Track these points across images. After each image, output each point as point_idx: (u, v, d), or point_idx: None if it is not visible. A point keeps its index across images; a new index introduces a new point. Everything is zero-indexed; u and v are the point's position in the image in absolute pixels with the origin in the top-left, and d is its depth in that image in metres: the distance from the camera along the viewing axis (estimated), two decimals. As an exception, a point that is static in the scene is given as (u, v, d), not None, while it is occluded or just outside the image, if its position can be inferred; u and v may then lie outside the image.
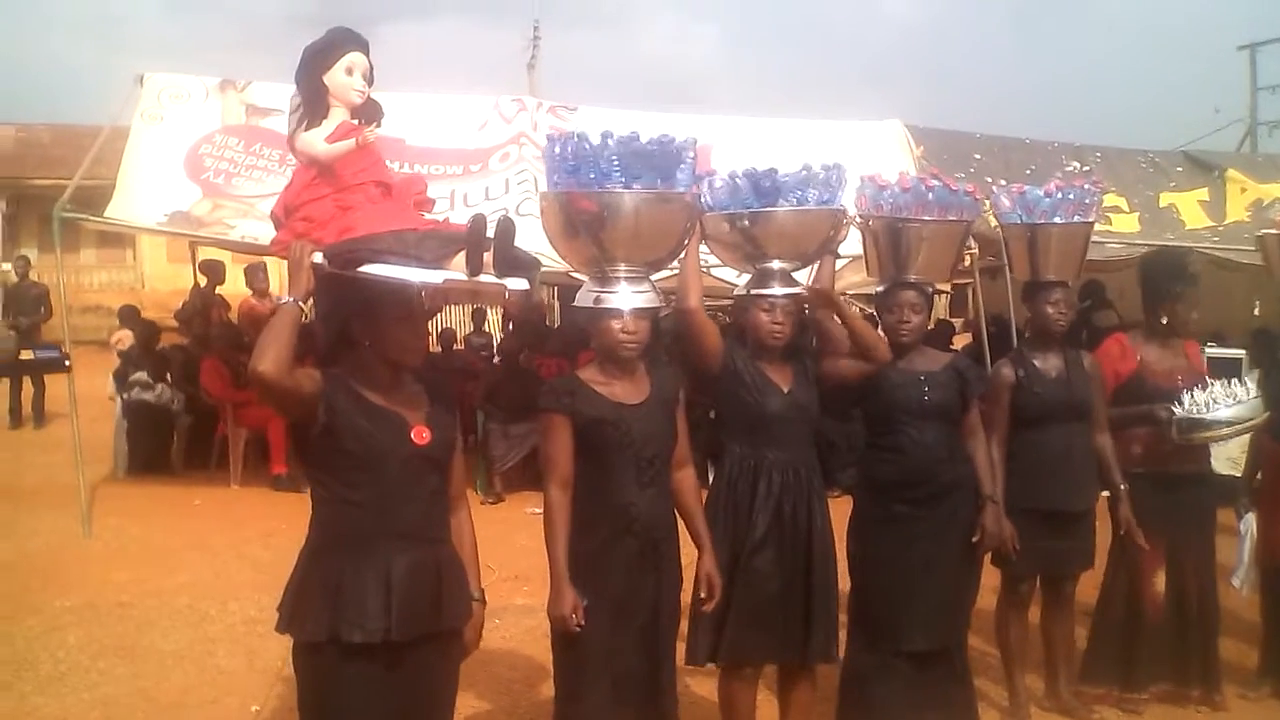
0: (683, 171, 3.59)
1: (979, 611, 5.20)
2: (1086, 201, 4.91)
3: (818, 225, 4.15)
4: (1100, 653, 5.20)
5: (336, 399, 2.91)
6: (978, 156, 11.15)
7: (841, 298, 4.49)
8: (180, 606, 6.66)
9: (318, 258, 2.93)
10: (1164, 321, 5.05)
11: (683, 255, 4.02)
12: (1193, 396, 4.82)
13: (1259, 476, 5.42)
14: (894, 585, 4.45)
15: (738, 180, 4.04)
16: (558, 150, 3.59)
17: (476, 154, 10.17)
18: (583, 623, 3.46)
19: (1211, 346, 9.69)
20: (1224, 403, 4.82)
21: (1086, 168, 11.38)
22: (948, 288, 15.99)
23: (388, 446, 2.95)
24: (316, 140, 3.14)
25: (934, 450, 4.49)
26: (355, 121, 3.17)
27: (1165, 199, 11.53)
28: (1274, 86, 32.09)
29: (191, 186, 9.31)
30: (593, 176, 3.50)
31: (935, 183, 4.55)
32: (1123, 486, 4.95)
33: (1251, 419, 4.89)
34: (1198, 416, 4.79)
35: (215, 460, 10.97)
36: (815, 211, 4.08)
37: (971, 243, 8.68)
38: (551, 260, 4.03)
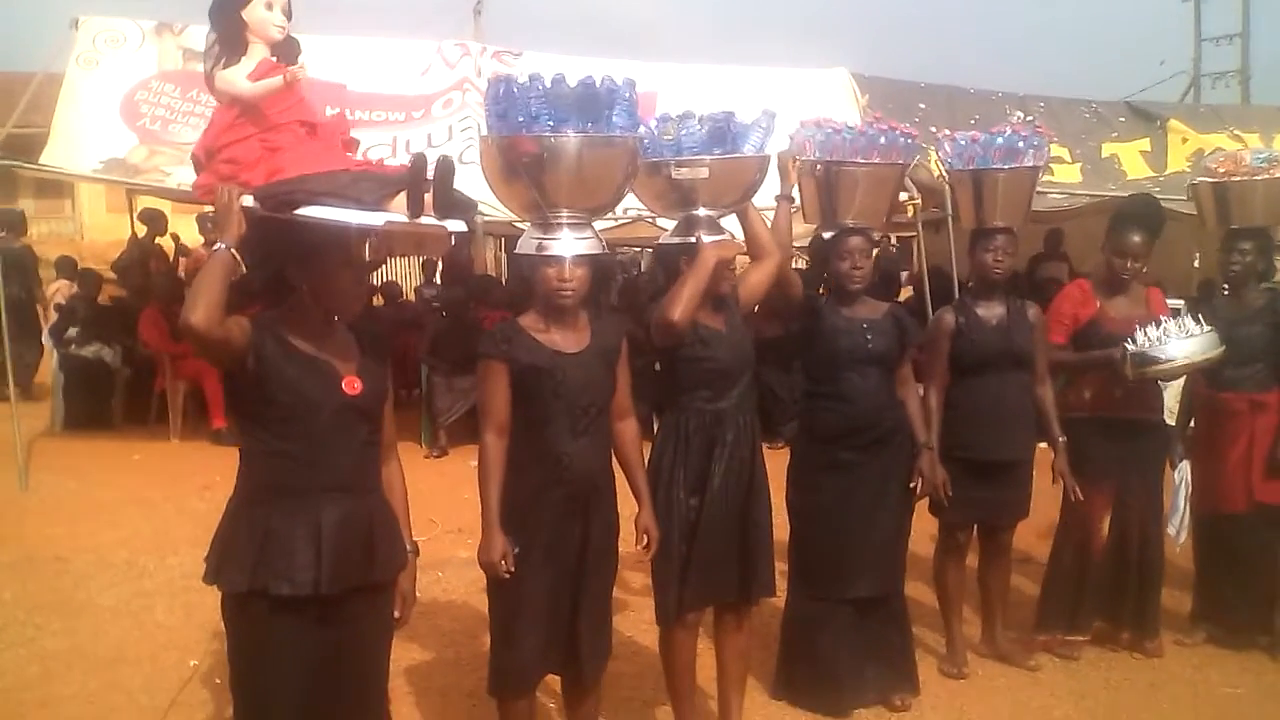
0: (619, 114, 3.51)
1: (918, 559, 5.27)
2: (1020, 147, 4.90)
3: (748, 173, 4.11)
4: (1053, 601, 5.27)
5: (265, 348, 2.85)
6: (923, 106, 11.16)
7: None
8: (118, 561, 6.59)
9: (248, 201, 2.85)
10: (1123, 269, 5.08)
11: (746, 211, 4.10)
12: (1145, 333, 4.84)
13: (1192, 424, 5.48)
14: (839, 533, 4.49)
15: (692, 124, 3.99)
16: (492, 92, 3.52)
17: (419, 100, 10.06)
18: (512, 569, 3.46)
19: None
20: (1176, 338, 4.83)
21: (1030, 117, 11.42)
22: (894, 240, 16.04)
23: (318, 397, 2.90)
24: (238, 78, 3.04)
25: (876, 397, 4.54)
26: (274, 59, 3.08)
27: (1107, 149, 11.60)
28: (1217, 38, 32.42)
29: (128, 133, 9.15)
30: (520, 120, 3.41)
31: (883, 126, 4.62)
32: (1060, 438, 4.99)
33: (1205, 354, 4.88)
34: (1150, 352, 4.81)
35: (155, 414, 10.85)
36: (749, 159, 4.04)
37: (915, 193, 8.74)
38: (494, 209, 3.97)
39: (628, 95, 3.55)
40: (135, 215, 13.11)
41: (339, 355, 2.99)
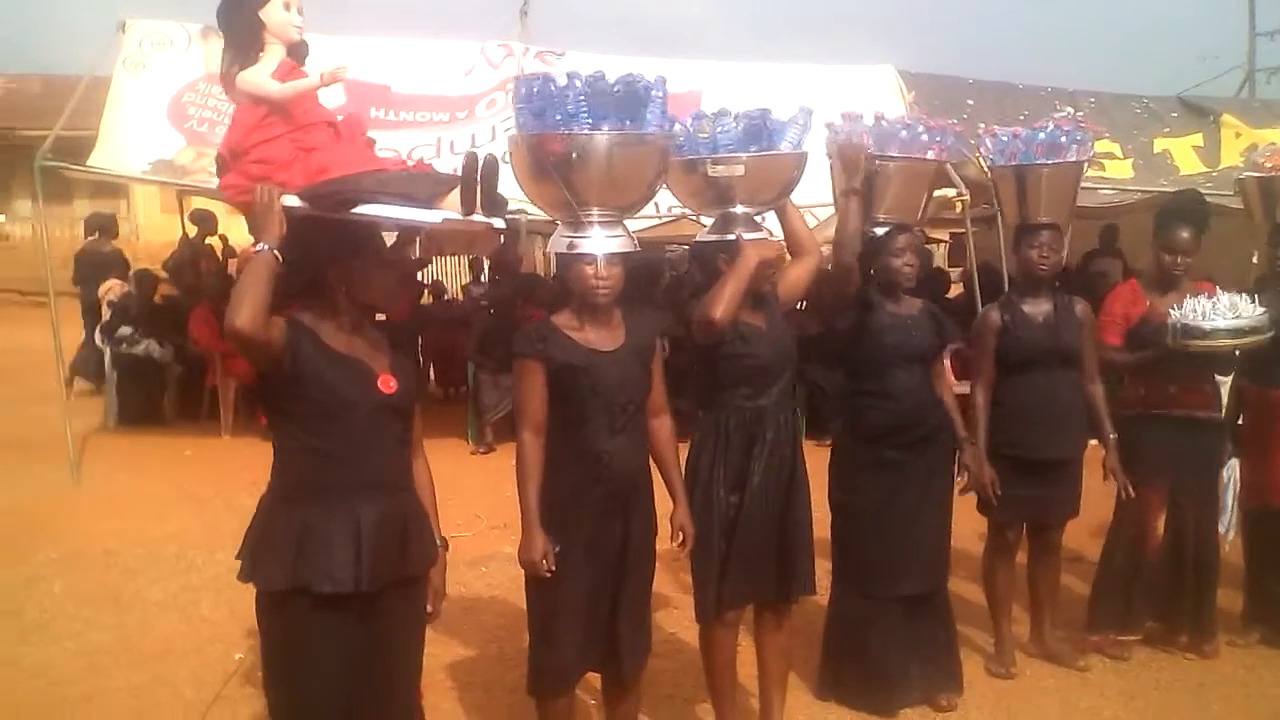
0: (652, 112, 3.50)
1: (968, 557, 5.22)
2: (1063, 141, 4.85)
3: (785, 170, 4.08)
4: (1104, 600, 5.20)
5: (302, 348, 2.87)
6: (970, 102, 11.05)
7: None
8: (167, 556, 6.67)
9: (290, 200, 2.87)
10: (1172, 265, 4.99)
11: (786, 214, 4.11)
12: (1194, 305, 4.76)
13: (1240, 421, 5.40)
14: (886, 531, 4.46)
15: (728, 122, 3.96)
16: (524, 92, 3.51)
17: (463, 101, 10.09)
18: (553, 568, 3.45)
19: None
20: (1224, 313, 4.75)
21: (1080, 113, 11.29)
22: (946, 236, 15.90)
23: (355, 396, 2.92)
24: (263, 78, 3.05)
25: (920, 394, 4.53)
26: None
27: (1160, 144, 11.43)
28: (1273, 32, 31.87)
29: (175, 135, 9.24)
30: (559, 118, 3.41)
31: (930, 123, 4.69)
32: (1112, 435, 4.93)
33: (1254, 331, 4.80)
34: (1194, 323, 4.73)
35: (206, 411, 10.98)
36: (785, 155, 4.01)
37: (964, 189, 8.65)
38: (538, 209, 3.97)
39: (659, 94, 3.53)
40: (186, 216, 13.26)
41: (372, 354, 3.01)
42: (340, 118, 3.21)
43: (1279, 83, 31.22)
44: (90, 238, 13.38)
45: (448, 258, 18.92)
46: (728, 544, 3.96)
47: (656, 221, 9.45)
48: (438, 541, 3.21)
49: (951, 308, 9.50)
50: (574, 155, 3.43)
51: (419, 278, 14.41)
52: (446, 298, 14.47)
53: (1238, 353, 4.99)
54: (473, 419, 10.28)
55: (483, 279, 14.31)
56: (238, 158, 3.08)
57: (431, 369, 13.59)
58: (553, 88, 3.43)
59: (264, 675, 3.02)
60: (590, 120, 3.41)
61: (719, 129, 3.91)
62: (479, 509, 7.15)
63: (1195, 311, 4.75)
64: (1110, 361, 5.02)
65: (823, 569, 4.38)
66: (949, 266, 15.32)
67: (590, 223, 3.53)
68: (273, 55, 3.07)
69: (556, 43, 11.49)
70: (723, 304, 3.81)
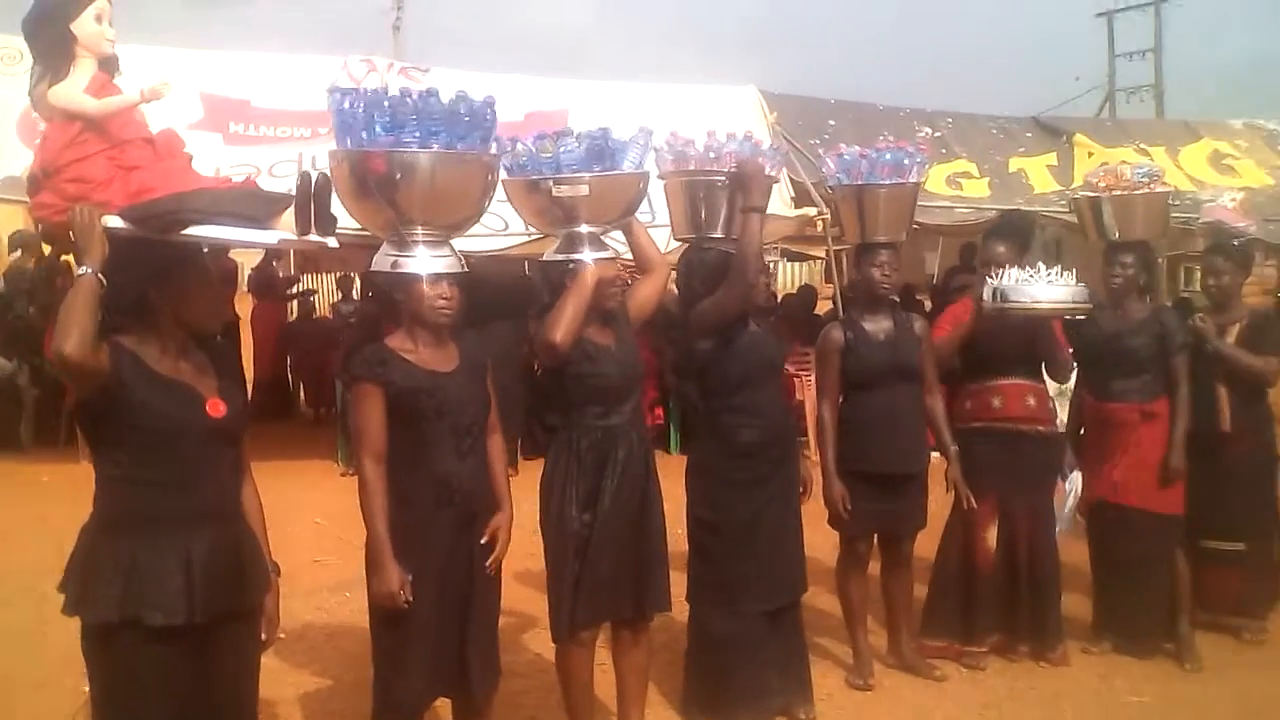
0: (480, 131, 3.47)
1: (825, 571, 5.30)
2: (905, 162, 4.96)
3: (629, 189, 4.08)
4: (938, 607, 5.32)
5: (125, 372, 2.78)
6: (831, 122, 11.27)
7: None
8: (19, 586, 6.41)
9: (113, 221, 2.78)
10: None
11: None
12: (1009, 272, 4.90)
13: (1081, 432, 5.56)
14: (757, 545, 4.48)
15: (570, 142, 3.96)
16: (346, 105, 3.41)
17: (324, 116, 9.90)
18: (410, 599, 3.39)
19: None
20: (1041, 280, 4.88)
21: (938, 133, 11.59)
22: (821, 254, 16.17)
23: (183, 422, 2.84)
24: (77, 93, 2.95)
25: (781, 408, 4.64)
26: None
27: (1015, 164, 11.79)
28: (1131, 53, 33.04)
29: (24, 151, 8.93)
30: (368, 134, 3.35)
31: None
32: (952, 447, 5.07)
33: (1070, 304, 4.94)
34: (1011, 291, 4.86)
35: (65, 435, 10.60)
36: (628, 175, 4.01)
37: (824, 208, 8.82)
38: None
39: (488, 114, 3.50)
40: (39, 233, 12.73)
41: (199, 377, 2.93)
42: (156, 133, 3.12)
43: (1139, 102, 32.42)
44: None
45: (317, 274, 18.59)
46: (581, 563, 3.94)
47: (528, 239, 9.46)
48: (270, 567, 3.14)
49: (821, 323, 9.65)
50: (397, 173, 3.36)
51: (293, 293, 14.21)
52: (315, 316, 14.24)
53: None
54: (342, 440, 10.08)
55: (354, 296, 14.16)
56: (51, 176, 2.96)
57: (301, 389, 13.40)
58: (358, 103, 3.36)
59: (93, 712, 2.93)
60: (417, 137, 3.35)
61: (562, 149, 3.90)
62: (348, 532, 6.94)
63: (1014, 278, 4.89)
64: (939, 351, 5.13)
65: (679, 585, 4.41)
66: (826, 283, 15.58)
67: (415, 242, 3.47)
68: (84, 69, 2.98)
69: (430, 59, 11.43)
70: (563, 325, 3.80)
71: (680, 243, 4.86)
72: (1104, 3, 32.96)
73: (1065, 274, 4.91)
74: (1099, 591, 5.54)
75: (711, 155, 4.60)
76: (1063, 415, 5.70)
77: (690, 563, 4.62)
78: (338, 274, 15.13)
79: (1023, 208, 10.10)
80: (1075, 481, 5.50)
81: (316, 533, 7.42)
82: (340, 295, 14.56)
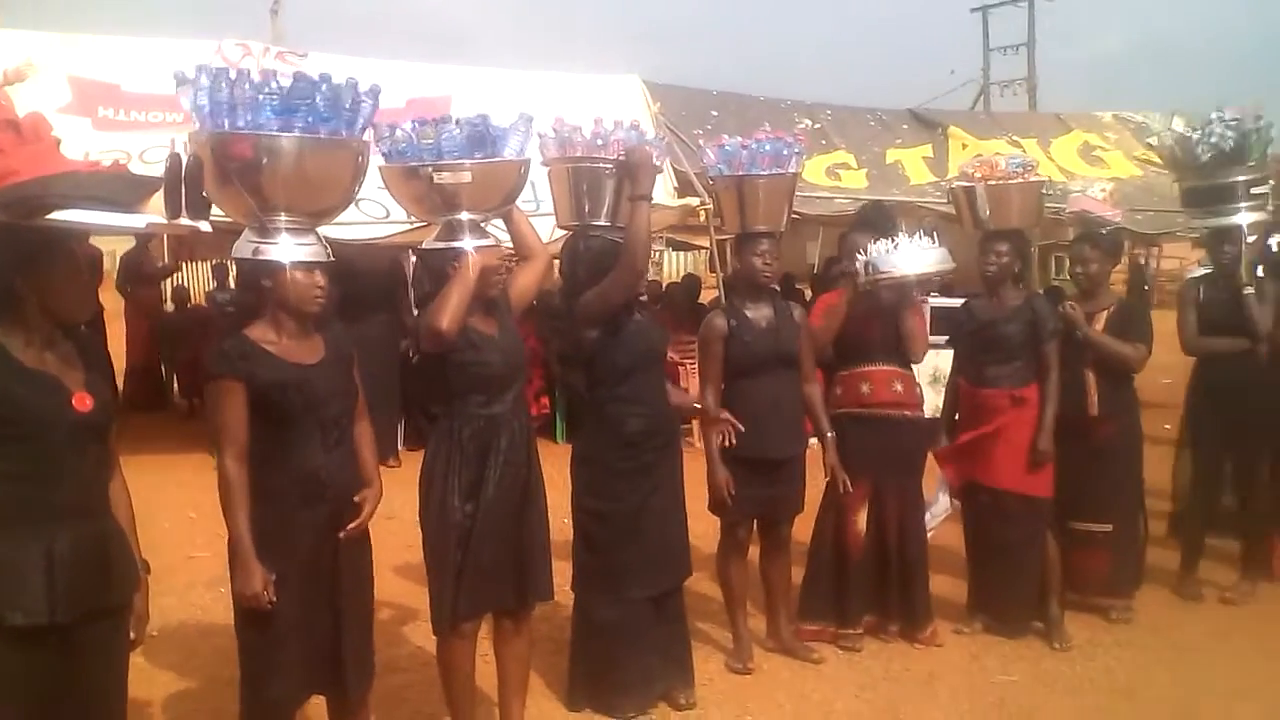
0: (346, 116, 3.39)
1: (706, 556, 5.33)
2: (785, 153, 5.00)
3: (510, 176, 4.05)
4: (813, 591, 5.40)
5: None
6: (714, 113, 11.33)
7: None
8: None
9: None
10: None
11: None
12: (877, 246, 5.02)
13: (956, 417, 5.65)
14: (646, 533, 4.48)
15: (450, 128, 3.91)
16: (207, 84, 3.28)
17: (199, 102, 9.70)
18: (274, 599, 3.32)
19: (935, 296, 10.17)
20: (906, 251, 5.01)
21: (817, 125, 11.74)
22: (706, 242, 16.27)
23: (49, 415, 2.73)
24: None
25: (664, 396, 4.62)
26: None
27: (891, 155, 12.00)
28: (1005, 48, 33.93)
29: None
30: (245, 117, 3.25)
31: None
32: (830, 433, 5.14)
33: (936, 269, 5.08)
34: (880, 264, 4.98)
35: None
36: (511, 162, 3.97)
37: (707, 199, 8.86)
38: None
39: (367, 100, 3.44)
40: None
41: (65, 369, 2.82)
42: (21, 116, 3.00)
43: (1012, 95, 33.32)
44: None
45: (191, 263, 18.13)
46: (463, 553, 3.90)
47: (409, 227, 9.35)
48: (139, 565, 3.04)
49: (705, 312, 9.70)
50: (261, 158, 3.27)
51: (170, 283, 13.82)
52: (191, 305, 13.87)
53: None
54: (217, 431, 9.87)
55: (229, 284, 13.83)
56: None
57: (174, 380, 13.05)
58: (235, 82, 3.26)
59: None
60: (281, 120, 3.26)
61: (443, 135, 3.85)
62: (222, 527, 6.77)
63: (881, 250, 5.01)
64: (818, 338, 5.20)
65: (562, 574, 4.39)
66: (711, 271, 15.68)
67: (278, 229, 3.39)
68: None
69: (310, 44, 11.22)
70: (449, 313, 3.76)
71: (564, 231, 4.84)
72: (980, -2, 33.83)
73: (926, 239, 5.05)
74: (973, 572, 5.67)
75: (599, 142, 4.58)
76: (937, 401, 5.81)
77: (575, 551, 4.62)
78: (213, 261, 14.77)
79: (899, 198, 10.30)
80: (942, 501, 5.58)
81: (190, 527, 7.25)
82: (215, 283, 14.24)
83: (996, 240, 5.46)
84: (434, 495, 3.91)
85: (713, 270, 15.85)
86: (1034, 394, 5.32)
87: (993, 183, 5.48)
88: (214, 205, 3.35)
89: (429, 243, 4.07)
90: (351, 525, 3.50)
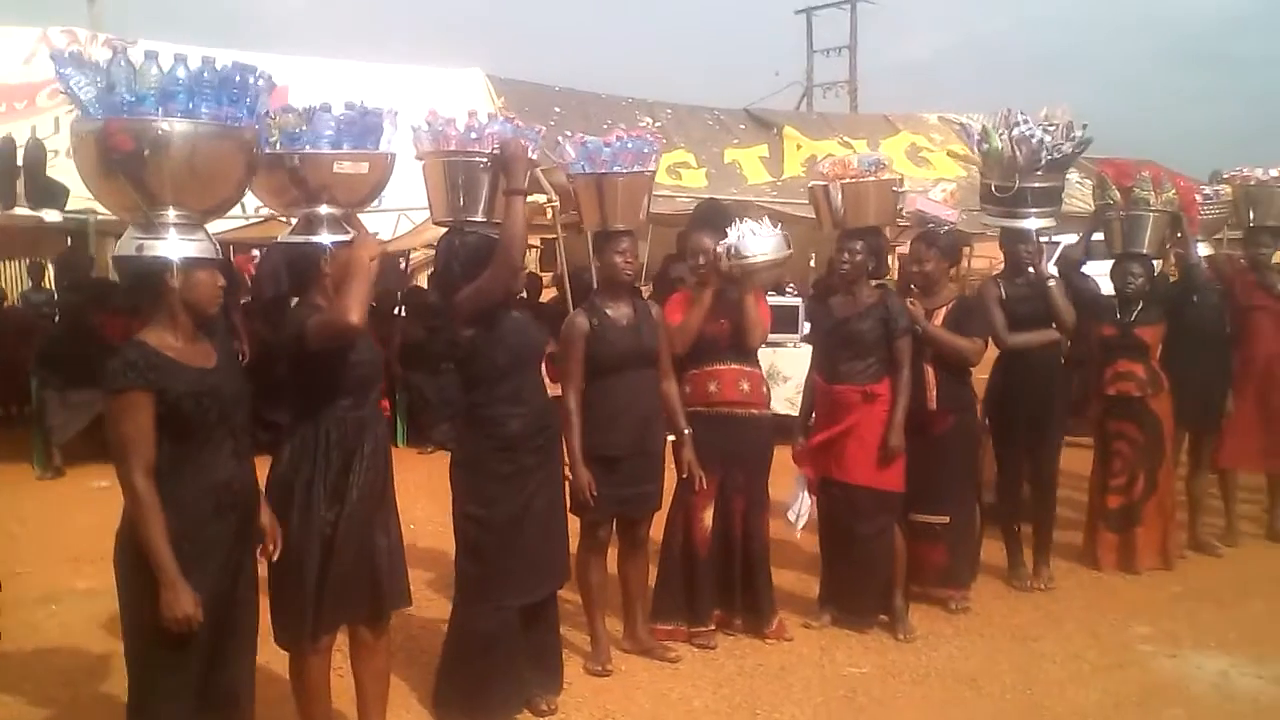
0: (255, 102, 3.30)
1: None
2: (645, 151, 5.04)
3: (382, 170, 3.98)
4: (666, 590, 5.43)
5: None
6: (557, 109, 11.34)
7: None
8: None
9: None
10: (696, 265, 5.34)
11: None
12: (738, 229, 5.13)
13: (814, 416, 5.73)
14: (527, 538, 4.41)
15: (327, 118, 3.81)
16: (83, 68, 3.12)
17: (22, 89, 9.31)
18: (201, 619, 3.15)
19: (771, 296, 10.36)
20: (755, 237, 5.13)
21: (658, 123, 11.83)
22: (537, 241, 16.19)
23: None
24: None
25: (544, 396, 4.56)
26: None
27: (729, 155, 12.17)
28: (828, 50, 34.77)
29: None
30: (129, 103, 3.10)
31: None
32: (686, 430, 5.18)
33: (778, 254, 5.20)
34: (740, 248, 5.09)
35: None
36: (387, 155, 3.91)
37: (553, 195, 8.81)
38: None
39: (262, 83, 3.33)
40: None
41: None
42: None
43: (834, 97, 34.18)
44: None
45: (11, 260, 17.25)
46: (326, 563, 3.75)
47: (244, 223, 9.10)
48: None
49: (546, 312, 9.66)
50: (146, 149, 3.11)
51: None
52: (5, 305, 13.21)
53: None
54: (38, 441, 9.43)
55: (45, 284, 13.23)
56: None
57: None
58: (117, 66, 3.09)
59: None
60: (175, 108, 3.12)
61: (319, 124, 3.75)
62: (48, 541, 6.55)
63: (739, 234, 5.11)
64: (683, 335, 5.24)
65: (427, 582, 4.31)
66: (540, 270, 15.63)
67: (165, 224, 3.23)
68: None
69: (128, 31, 10.81)
70: (358, 305, 3.59)
71: (438, 225, 4.76)
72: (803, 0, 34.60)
73: (767, 227, 5.18)
74: (825, 565, 5.76)
75: (473, 135, 4.50)
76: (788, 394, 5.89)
77: (457, 559, 4.52)
78: (28, 260, 14.09)
79: (737, 197, 10.43)
80: (804, 499, 5.67)
81: (14, 542, 6.90)
82: (31, 283, 13.60)
83: (852, 238, 5.55)
84: (297, 505, 3.74)
85: (544, 270, 15.86)
86: (886, 390, 5.44)
87: (847, 181, 5.57)
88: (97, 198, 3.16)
89: (285, 237, 3.93)
90: (271, 552, 3.44)
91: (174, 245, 3.23)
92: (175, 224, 3.24)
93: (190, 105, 3.15)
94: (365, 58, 12.01)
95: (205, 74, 3.17)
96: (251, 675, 3.51)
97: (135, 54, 3.18)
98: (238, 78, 3.26)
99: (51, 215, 2.74)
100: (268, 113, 3.72)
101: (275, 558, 3.61)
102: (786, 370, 9.42)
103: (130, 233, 3.27)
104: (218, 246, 3.39)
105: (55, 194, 2.62)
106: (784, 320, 9.44)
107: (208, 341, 3.38)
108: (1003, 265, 6.46)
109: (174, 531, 3.16)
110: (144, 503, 3.14)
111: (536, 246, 16.73)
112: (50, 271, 12.85)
